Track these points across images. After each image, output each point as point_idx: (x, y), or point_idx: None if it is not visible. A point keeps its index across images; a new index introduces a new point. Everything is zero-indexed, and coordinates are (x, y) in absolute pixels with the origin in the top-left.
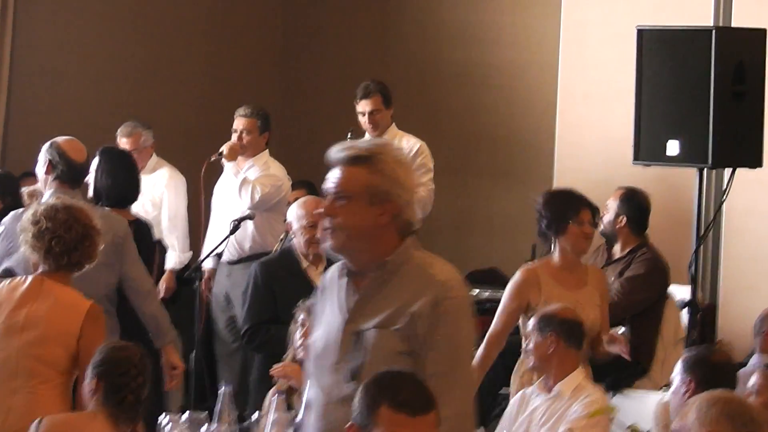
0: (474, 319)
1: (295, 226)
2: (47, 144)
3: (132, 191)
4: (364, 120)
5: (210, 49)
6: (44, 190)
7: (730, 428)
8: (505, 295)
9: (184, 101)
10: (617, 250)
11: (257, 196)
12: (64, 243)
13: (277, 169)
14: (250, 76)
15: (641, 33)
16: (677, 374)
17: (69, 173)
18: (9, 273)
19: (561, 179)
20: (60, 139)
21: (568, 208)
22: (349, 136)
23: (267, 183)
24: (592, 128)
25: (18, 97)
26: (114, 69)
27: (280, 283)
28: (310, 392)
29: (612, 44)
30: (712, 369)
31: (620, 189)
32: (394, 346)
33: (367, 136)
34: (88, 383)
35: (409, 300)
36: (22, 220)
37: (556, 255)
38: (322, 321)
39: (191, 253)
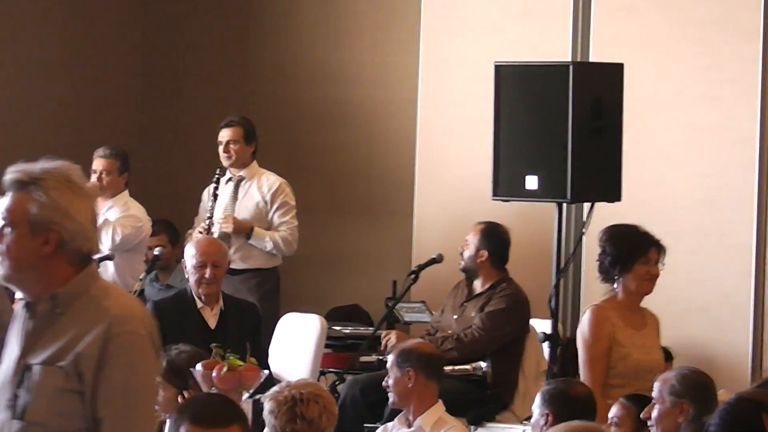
0: (156, 359)
1: (188, 265)
2: None
3: None
4: (220, 149)
5: (68, 90)
6: None
7: None
8: (587, 341)
9: (43, 143)
10: (478, 285)
11: (117, 238)
12: None
13: (137, 210)
14: (110, 117)
15: (498, 69)
16: (536, 407)
17: None
18: None
19: (421, 215)
20: None
21: (636, 247)
22: (217, 173)
23: (127, 224)
24: (452, 164)
25: None
26: None
27: (172, 324)
28: None
29: (471, 80)
30: (569, 402)
31: (480, 224)
32: (59, 383)
33: (227, 174)
34: None
35: (78, 335)
36: None
37: (620, 294)
38: (7, 354)
39: None
